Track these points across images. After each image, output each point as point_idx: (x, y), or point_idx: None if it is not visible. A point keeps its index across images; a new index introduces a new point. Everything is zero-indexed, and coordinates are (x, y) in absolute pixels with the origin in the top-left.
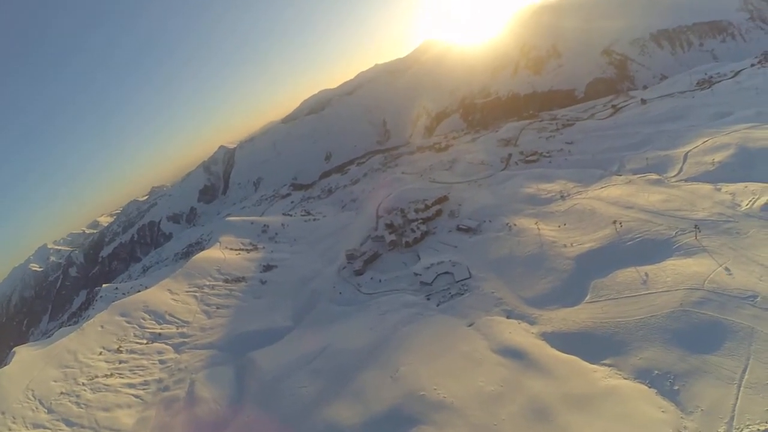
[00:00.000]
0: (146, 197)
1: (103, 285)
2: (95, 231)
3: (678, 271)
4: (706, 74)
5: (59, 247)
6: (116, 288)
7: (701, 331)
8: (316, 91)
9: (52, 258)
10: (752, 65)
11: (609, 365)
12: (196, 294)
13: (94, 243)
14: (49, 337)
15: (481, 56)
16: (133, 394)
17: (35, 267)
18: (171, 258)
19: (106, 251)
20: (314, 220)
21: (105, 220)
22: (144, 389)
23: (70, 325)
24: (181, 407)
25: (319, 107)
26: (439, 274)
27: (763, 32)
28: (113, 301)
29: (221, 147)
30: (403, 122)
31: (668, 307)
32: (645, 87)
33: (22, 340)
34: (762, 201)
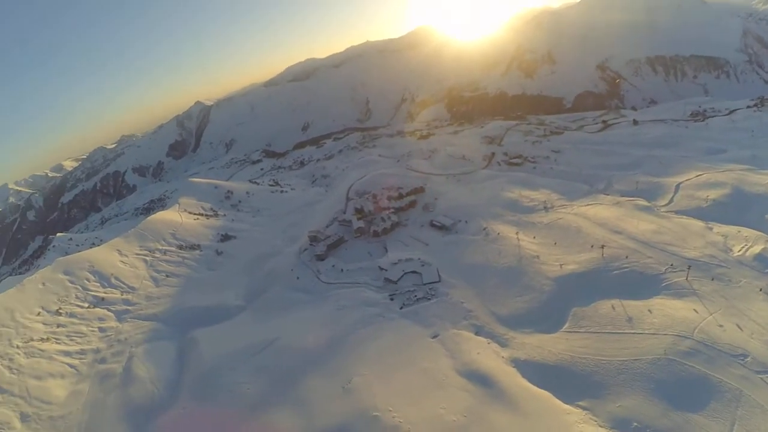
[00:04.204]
0: (114, 145)
1: (58, 234)
2: (58, 175)
3: (666, 312)
4: (699, 107)
5: (20, 189)
6: (71, 239)
7: (687, 386)
8: (302, 59)
9: (12, 199)
10: (748, 107)
11: (584, 408)
12: (147, 258)
13: (55, 187)
14: None
15: (474, 50)
16: (68, 363)
17: None
18: (131, 212)
19: (66, 197)
20: (282, 192)
21: (69, 165)
22: (80, 359)
23: (20, 273)
24: (117, 384)
25: (303, 76)
26: (405, 273)
27: (758, 76)
28: (66, 253)
29: (197, 102)
30: (387, 103)
31: (654, 353)
32: (633, 108)
33: None
34: (755, 250)
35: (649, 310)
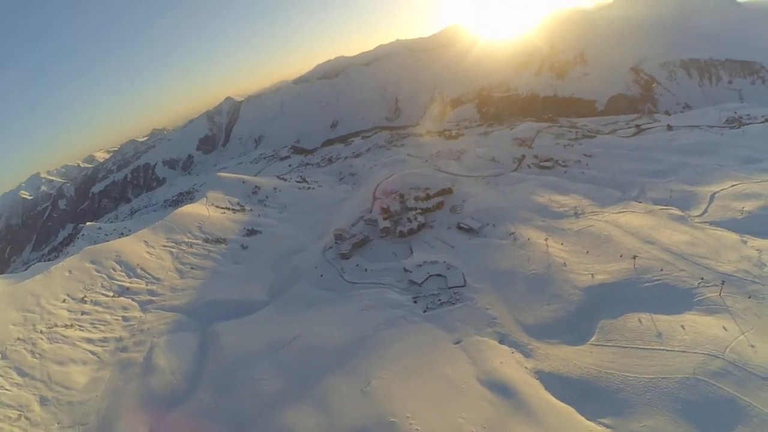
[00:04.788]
0: (146, 138)
1: (88, 223)
2: (90, 166)
3: (697, 329)
4: (735, 113)
5: (52, 178)
6: (100, 228)
7: (714, 408)
8: (332, 57)
9: (44, 188)
10: None
11: (607, 426)
12: (173, 250)
13: (87, 178)
14: (27, 269)
15: (505, 50)
16: (90, 350)
17: (25, 195)
18: (160, 204)
19: (97, 187)
20: (309, 188)
21: (101, 156)
22: (102, 346)
23: (49, 260)
24: (137, 373)
25: (332, 73)
26: (430, 275)
27: None
28: (95, 241)
29: (228, 98)
30: (416, 103)
31: (683, 372)
32: (667, 113)
33: (3, 267)
34: None
35: (682, 326)
